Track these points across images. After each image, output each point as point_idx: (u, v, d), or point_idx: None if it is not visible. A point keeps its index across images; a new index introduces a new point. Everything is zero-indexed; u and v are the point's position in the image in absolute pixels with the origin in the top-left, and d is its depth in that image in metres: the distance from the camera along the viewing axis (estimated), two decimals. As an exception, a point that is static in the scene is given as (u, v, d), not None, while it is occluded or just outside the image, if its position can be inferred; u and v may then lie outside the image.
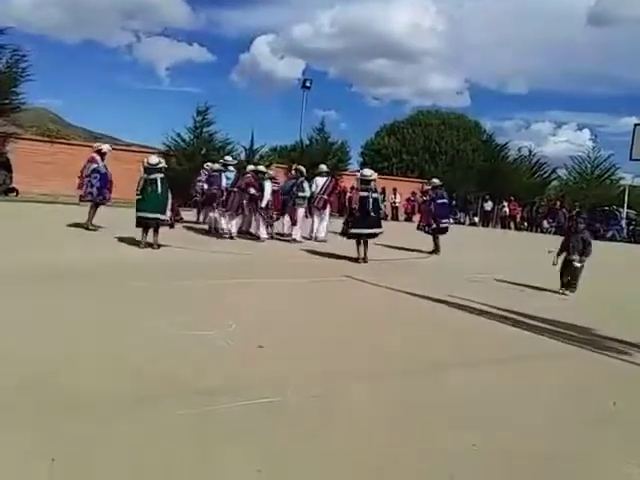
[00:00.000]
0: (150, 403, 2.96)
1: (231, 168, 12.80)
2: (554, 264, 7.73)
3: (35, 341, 3.84)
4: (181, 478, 2.25)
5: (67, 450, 2.38)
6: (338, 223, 10.93)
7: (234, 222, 11.81)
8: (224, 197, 11.87)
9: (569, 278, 7.66)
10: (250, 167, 12.66)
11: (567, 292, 7.64)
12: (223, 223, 11.89)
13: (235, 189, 11.68)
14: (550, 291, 7.62)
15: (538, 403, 3.45)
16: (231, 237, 11.60)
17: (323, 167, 13.69)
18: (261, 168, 12.51)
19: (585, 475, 2.58)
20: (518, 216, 28.36)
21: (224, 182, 12.06)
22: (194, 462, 2.38)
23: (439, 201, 12.03)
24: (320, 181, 13.06)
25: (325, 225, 12.89)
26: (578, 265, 7.62)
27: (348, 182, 22.97)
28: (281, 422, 2.84)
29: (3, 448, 2.37)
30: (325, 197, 12.87)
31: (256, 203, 11.57)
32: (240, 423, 2.79)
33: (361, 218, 9.51)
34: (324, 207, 12.86)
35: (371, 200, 9.52)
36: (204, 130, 23.19)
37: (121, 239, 9.63)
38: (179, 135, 22.89)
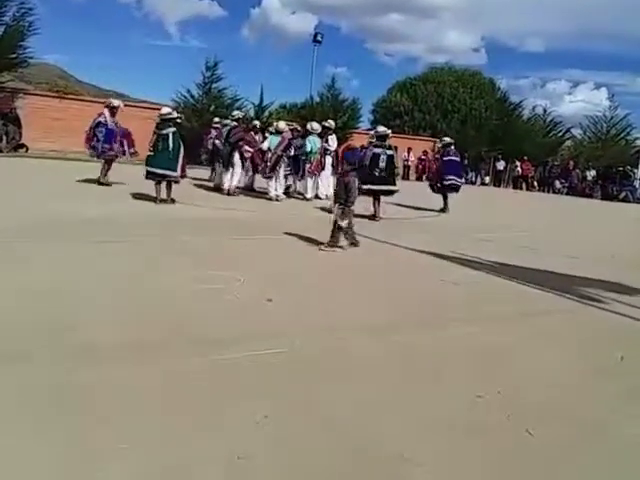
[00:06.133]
0: (160, 352, 3.02)
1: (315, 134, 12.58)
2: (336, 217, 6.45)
3: (47, 291, 3.91)
4: (190, 423, 2.31)
5: (79, 395, 2.45)
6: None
7: (235, 179, 11.85)
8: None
9: (337, 233, 6.40)
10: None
11: (325, 247, 6.31)
12: (225, 180, 11.93)
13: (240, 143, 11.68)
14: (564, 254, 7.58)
15: (543, 357, 3.48)
16: (231, 194, 11.66)
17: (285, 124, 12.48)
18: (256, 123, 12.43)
19: (589, 427, 2.62)
20: (530, 176, 27.99)
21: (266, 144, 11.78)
22: (202, 407, 2.45)
23: (445, 158, 11.95)
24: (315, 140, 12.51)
25: (310, 183, 12.59)
26: (339, 219, 6.34)
27: (359, 140, 22.75)
28: (289, 372, 2.90)
29: (18, 394, 2.44)
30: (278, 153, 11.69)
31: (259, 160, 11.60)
32: (248, 372, 2.84)
33: (371, 174, 9.44)
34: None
35: (383, 157, 9.45)
36: (213, 86, 22.91)
37: (132, 195, 9.69)
38: (188, 91, 22.64)
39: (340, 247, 6.43)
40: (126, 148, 11.20)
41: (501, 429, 2.50)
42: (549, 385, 3.04)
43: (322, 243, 6.42)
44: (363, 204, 9.54)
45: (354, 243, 6.54)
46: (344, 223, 6.39)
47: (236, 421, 2.36)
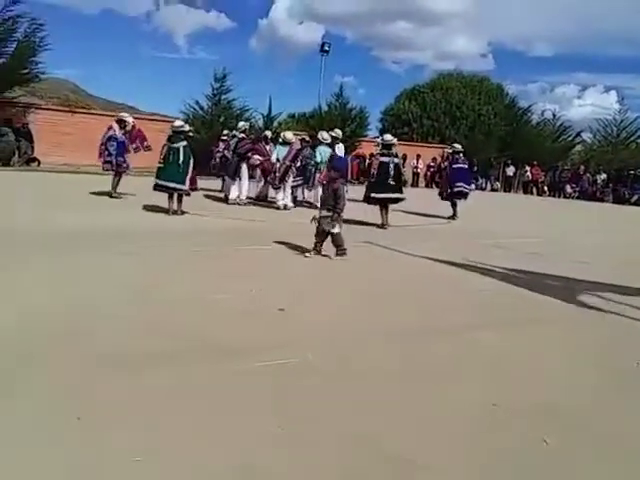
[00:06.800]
0: (171, 362, 3.02)
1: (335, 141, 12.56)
2: (318, 224, 6.38)
3: (61, 300, 3.94)
4: (202, 433, 2.31)
5: (91, 403, 2.46)
6: (357, 190, 10.89)
7: (243, 190, 11.90)
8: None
9: (322, 239, 6.37)
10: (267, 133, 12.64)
11: (310, 253, 6.32)
12: (232, 190, 11.98)
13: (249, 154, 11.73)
14: (581, 260, 7.53)
15: (559, 363, 3.44)
16: (239, 204, 11.71)
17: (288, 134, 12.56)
18: (267, 133, 12.46)
19: (605, 435, 2.58)
20: (540, 181, 27.83)
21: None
22: (217, 418, 2.45)
23: (455, 166, 11.95)
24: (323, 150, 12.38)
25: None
26: (327, 226, 6.29)
27: (367, 149, 22.78)
28: (301, 381, 2.89)
29: (33, 403, 2.45)
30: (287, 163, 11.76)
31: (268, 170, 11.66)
32: (261, 382, 2.84)
33: (381, 183, 9.44)
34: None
35: (392, 165, 9.46)
36: (222, 97, 23.05)
37: (143, 206, 9.77)
38: (197, 103, 22.79)
39: (326, 256, 6.33)
40: (139, 145, 11.45)
41: (516, 437, 2.47)
42: (565, 392, 3.00)
43: (326, 255, 6.38)
44: (367, 211, 9.55)
45: (343, 252, 6.34)
46: (335, 230, 6.31)
47: (247, 431, 2.35)
